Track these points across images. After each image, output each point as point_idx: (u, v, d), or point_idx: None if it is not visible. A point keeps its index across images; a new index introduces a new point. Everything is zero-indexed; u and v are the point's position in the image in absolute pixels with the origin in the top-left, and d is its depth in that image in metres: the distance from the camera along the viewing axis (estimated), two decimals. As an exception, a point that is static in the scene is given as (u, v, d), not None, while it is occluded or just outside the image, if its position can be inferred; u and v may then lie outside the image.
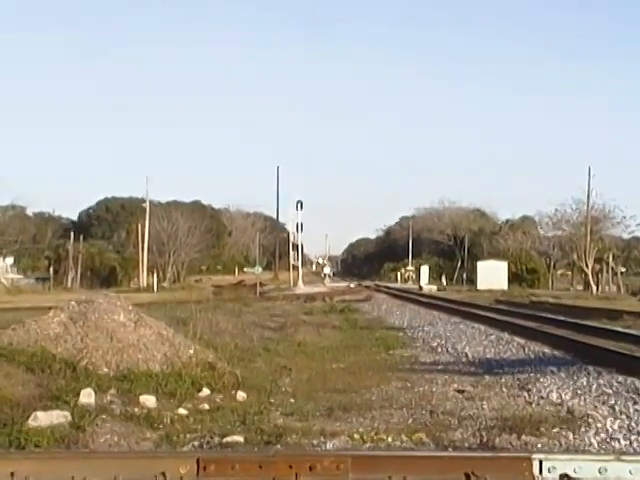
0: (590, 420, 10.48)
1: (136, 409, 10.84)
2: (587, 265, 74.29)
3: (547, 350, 18.58)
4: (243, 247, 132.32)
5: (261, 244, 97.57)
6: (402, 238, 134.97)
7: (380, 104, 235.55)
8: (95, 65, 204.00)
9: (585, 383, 13.47)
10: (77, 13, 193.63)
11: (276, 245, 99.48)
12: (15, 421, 9.39)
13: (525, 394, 12.96)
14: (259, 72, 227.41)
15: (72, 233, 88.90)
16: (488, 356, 18.61)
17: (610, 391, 12.60)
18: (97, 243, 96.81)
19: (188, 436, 9.48)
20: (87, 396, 10.86)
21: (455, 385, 14.07)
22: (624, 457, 2.98)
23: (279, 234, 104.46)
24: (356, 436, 9.50)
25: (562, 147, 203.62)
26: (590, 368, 14.88)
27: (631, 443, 9.37)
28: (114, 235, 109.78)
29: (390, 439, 9.36)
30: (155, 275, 77.17)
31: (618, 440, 9.49)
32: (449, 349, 20.36)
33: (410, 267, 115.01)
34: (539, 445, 9.17)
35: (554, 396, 12.57)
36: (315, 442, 9.18)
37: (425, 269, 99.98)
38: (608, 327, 24.33)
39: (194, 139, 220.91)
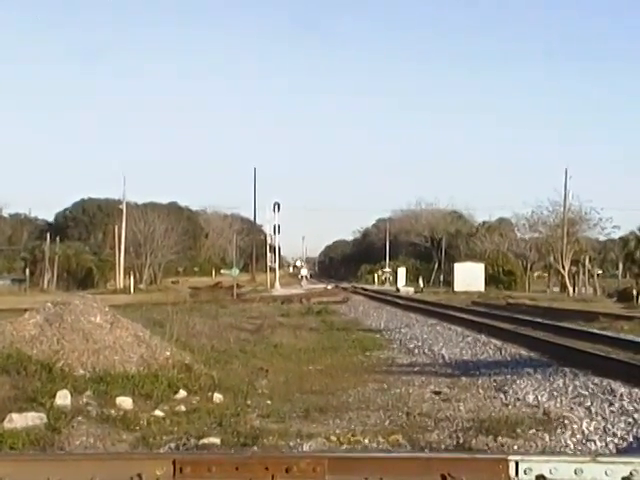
0: (566, 422, 10.52)
1: (112, 411, 10.79)
2: (563, 267, 74.63)
3: (524, 352, 18.63)
4: (220, 249, 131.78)
5: (238, 246, 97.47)
6: (379, 240, 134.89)
7: (357, 105, 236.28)
8: (72, 66, 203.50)
9: (561, 385, 13.52)
10: (55, 13, 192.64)
11: (253, 247, 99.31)
12: (-10, 423, 9.34)
13: (502, 396, 13.00)
14: (236, 74, 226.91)
15: (48, 234, 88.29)
16: (465, 358, 18.67)
17: (586, 393, 12.65)
18: (73, 244, 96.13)
19: (164, 438, 9.44)
20: (63, 398, 10.80)
21: (432, 387, 14.09)
22: (600, 458, 3.00)
23: (256, 236, 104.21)
24: (333, 438, 9.49)
25: (539, 149, 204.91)
26: (566, 370, 14.93)
27: (607, 445, 9.41)
28: (91, 236, 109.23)
29: (367, 441, 9.35)
30: (132, 277, 76.94)
31: (594, 442, 9.54)
32: (426, 351, 20.40)
33: (387, 269, 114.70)
34: (515, 447, 9.20)
35: (530, 398, 12.62)
36: (292, 444, 9.15)
37: (402, 271, 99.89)
38: (584, 329, 24.47)
39: (171, 140, 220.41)
